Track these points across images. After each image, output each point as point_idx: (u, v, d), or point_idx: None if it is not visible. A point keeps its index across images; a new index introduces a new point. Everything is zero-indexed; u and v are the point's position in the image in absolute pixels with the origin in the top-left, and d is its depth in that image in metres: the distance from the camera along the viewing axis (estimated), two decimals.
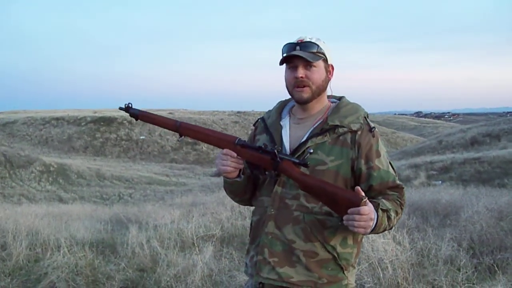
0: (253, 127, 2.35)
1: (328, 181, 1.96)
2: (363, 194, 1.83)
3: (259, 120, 2.32)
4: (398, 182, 2.05)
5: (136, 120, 2.25)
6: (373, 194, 2.02)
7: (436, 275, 4.30)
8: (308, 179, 1.96)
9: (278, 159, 2.00)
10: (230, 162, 2.06)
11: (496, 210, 6.45)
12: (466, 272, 4.13)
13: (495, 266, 4.59)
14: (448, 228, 6.17)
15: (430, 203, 8.22)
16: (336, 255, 2.02)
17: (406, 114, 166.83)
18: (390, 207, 1.96)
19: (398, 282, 4.06)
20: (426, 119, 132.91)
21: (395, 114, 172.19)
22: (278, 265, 2.06)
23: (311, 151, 1.98)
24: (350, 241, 2.05)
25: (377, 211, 1.89)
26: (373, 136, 2.05)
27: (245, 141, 2.11)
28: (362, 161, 2.02)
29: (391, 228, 2.03)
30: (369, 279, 4.09)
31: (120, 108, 2.24)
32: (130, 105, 2.22)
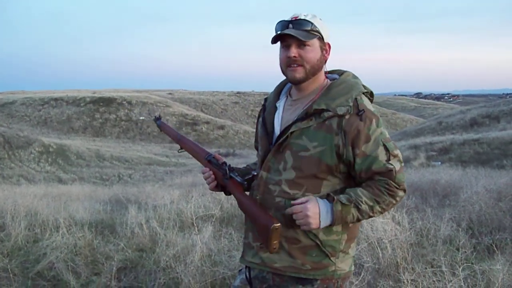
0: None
1: (258, 206, 2.02)
2: (277, 221, 1.93)
3: (264, 100, 2.30)
4: (388, 166, 1.92)
5: (160, 131, 2.56)
6: (360, 181, 1.97)
7: (435, 255, 4.31)
8: (244, 200, 2.08)
9: (227, 177, 2.14)
10: (210, 179, 2.21)
11: (495, 191, 6.44)
12: (465, 252, 4.13)
13: (493, 246, 4.59)
14: (447, 208, 6.17)
15: (429, 183, 8.22)
16: (319, 242, 1.98)
17: (406, 95, 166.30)
18: (362, 197, 1.90)
19: (397, 262, 4.07)
20: (426, 100, 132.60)
21: (395, 95, 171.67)
22: (261, 250, 2.06)
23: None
24: (336, 228, 1.99)
25: (332, 204, 1.90)
26: (361, 120, 1.91)
27: (213, 156, 2.23)
28: (350, 148, 1.91)
29: (372, 216, 1.96)
30: (368, 259, 4.09)
31: (153, 119, 2.66)
32: (160, 117, 2.61)
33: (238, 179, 2.12)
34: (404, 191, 1.96)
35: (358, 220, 1.95)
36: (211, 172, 2.19)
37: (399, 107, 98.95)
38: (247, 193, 2.17)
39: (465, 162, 16.02)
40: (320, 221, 1.90)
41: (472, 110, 35.27)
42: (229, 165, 2.16)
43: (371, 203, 1.91)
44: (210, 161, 2.21)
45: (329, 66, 2.13)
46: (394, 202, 1.95)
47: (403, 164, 1.98)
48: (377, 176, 1.93)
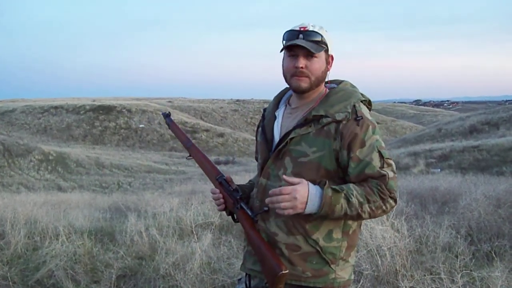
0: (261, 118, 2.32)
1: (267, 246, 1.99)
2: (285, 268, 1.91)
3: (263, 110, 2.30)
4: (381, 171, 1.91)
5: (168, 128, 2.47)
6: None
7: (434, 262, 4.30)
8: (253, 237, 2.03)
9: (238, 207, 2.10)
10: (218, 202, 2.17)
11: (494, 198, 6.44)
12: (464, 259, 4.13)
13: (492, 253, 4.60)
14: (446, 215, 6.17)
15: (428, 190, 8.23)
16: (319, 249, 1.97)
17: (405, 102, 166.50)
18: (354, 191, 1.88)
19: (396, 269, 4.07)
20: (425, 107, 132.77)
21: (394, 102, 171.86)
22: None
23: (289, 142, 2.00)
24: (336, 235, 1.99)
25: (323, 189, 1.86)
26: (358, 125, 1.93)
27: (225, 178, 2.17)
28: (345, 152, 1.92)
29: (360, 215, 1.90)
30: (367, 266, 4.09)
31: (162, 114, 2.56)
32: (169, 113, 2.50)
33: (249, 212, 2.08)
34: (395, 201, 1.93)
35: (346, 214, 1.89)
36: (221, 196, 2.16)
37: (398, 114, 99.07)
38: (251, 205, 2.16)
39: (465, 169, 16.03)
40: (306, 204, 1.85)
41: (472, 117, 35.29)
42: (241, 194, 2.13)
43: (361, 199, 1.88)
44: (221, 184, 2.17)
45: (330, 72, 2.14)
46: (383, 207, 1.91)
47: (396, 174, 1.96)
48: (370, 179, 1.92)
